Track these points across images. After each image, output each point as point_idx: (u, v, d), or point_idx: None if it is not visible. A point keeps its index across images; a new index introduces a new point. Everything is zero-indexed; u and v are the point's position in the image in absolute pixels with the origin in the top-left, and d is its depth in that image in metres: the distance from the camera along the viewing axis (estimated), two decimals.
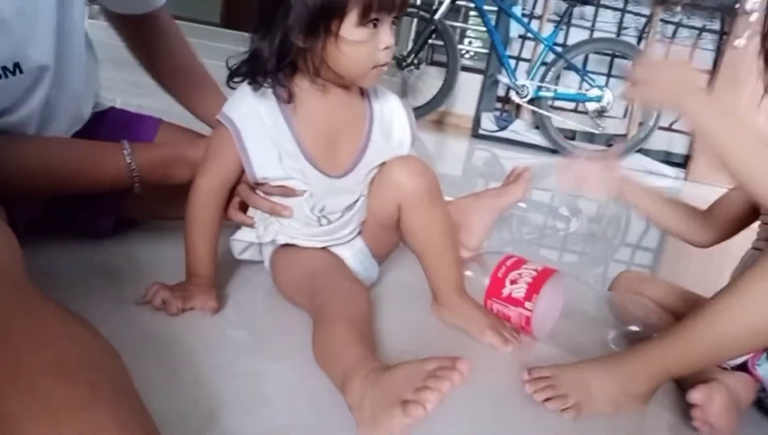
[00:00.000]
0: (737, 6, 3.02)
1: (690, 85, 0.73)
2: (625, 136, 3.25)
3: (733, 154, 0.70)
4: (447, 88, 3.13)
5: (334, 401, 0.64)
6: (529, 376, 0.78)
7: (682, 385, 0.80)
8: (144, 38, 1.04)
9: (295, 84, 0.83)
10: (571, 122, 3.22)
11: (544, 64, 3.11)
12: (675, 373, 0.77)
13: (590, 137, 3.24)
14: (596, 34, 3.29)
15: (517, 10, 3.16)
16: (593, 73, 3.18)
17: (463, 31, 3.50)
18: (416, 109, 3.02)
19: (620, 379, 0.75)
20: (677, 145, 3.34)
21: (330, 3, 0.75)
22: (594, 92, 3.06)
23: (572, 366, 0.79)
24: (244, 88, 0.84)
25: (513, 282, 0.92)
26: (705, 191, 2.46)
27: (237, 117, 0.84)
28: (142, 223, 1.09)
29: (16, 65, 0.73)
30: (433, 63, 3.40)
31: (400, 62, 3.12)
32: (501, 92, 3.39)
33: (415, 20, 3.37)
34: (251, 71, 0.82)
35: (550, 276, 0.91)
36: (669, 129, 3.27)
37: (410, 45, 3.33)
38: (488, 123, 3.30)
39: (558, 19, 3.19)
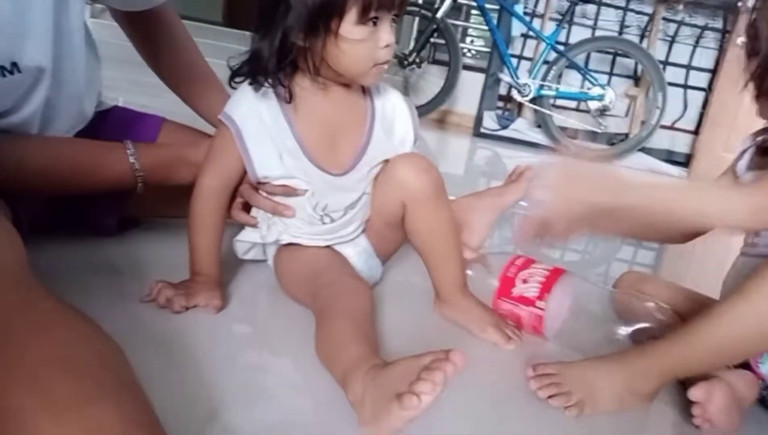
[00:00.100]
0: (740, 4, 3.00)
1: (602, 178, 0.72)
2: (626, 134, 3.24)
3: (686, 208, 0.70)
4: (449, 87, 3.13)
5: (337, 398, 0.65)
6: (534, 373, 0.78)
7: (684, 382, 0.80)
8: (147, 34, 1.04)
9: (296, 83, 0.84)
10: (573, 121, 3.22)
11: (546, 62, 3.11)
12: (682, 373, 0.77)
13: (593, 136, 3.24)
14: (598, 33, 3.27)
15: (519, 8, 3.15)
16: (595, 71, 3.17)
17: (465, 29, 3.49)
18: (418, 108, 2.97)
19: (626, 378, 0.75)
20: (680, 143, 3.32)
21: (329, 2, 0.75)
22: (596, 91, 3.06)
23: (577, 363, 0.79)
24: (245, 88, 0.85)
25: (524, 281, 0.92)
26: None
27: (238, 116, 0.85)
28: (145, 222, 1.10)
29: (14, 65, 0.73)
30: (435, 62, 3.39)
31: (401, 61, 3.12)
32: (503, 91, 3.38)
33: (417, 19, 3.36)
34: (252, 71, 0.82)
35: (561, 275, 0.91)
36: (671, 128, 3.26)
37: (412, 44, 3.31)
38: (490, 122, 3.29)
39: (560, 17, 3.19)
